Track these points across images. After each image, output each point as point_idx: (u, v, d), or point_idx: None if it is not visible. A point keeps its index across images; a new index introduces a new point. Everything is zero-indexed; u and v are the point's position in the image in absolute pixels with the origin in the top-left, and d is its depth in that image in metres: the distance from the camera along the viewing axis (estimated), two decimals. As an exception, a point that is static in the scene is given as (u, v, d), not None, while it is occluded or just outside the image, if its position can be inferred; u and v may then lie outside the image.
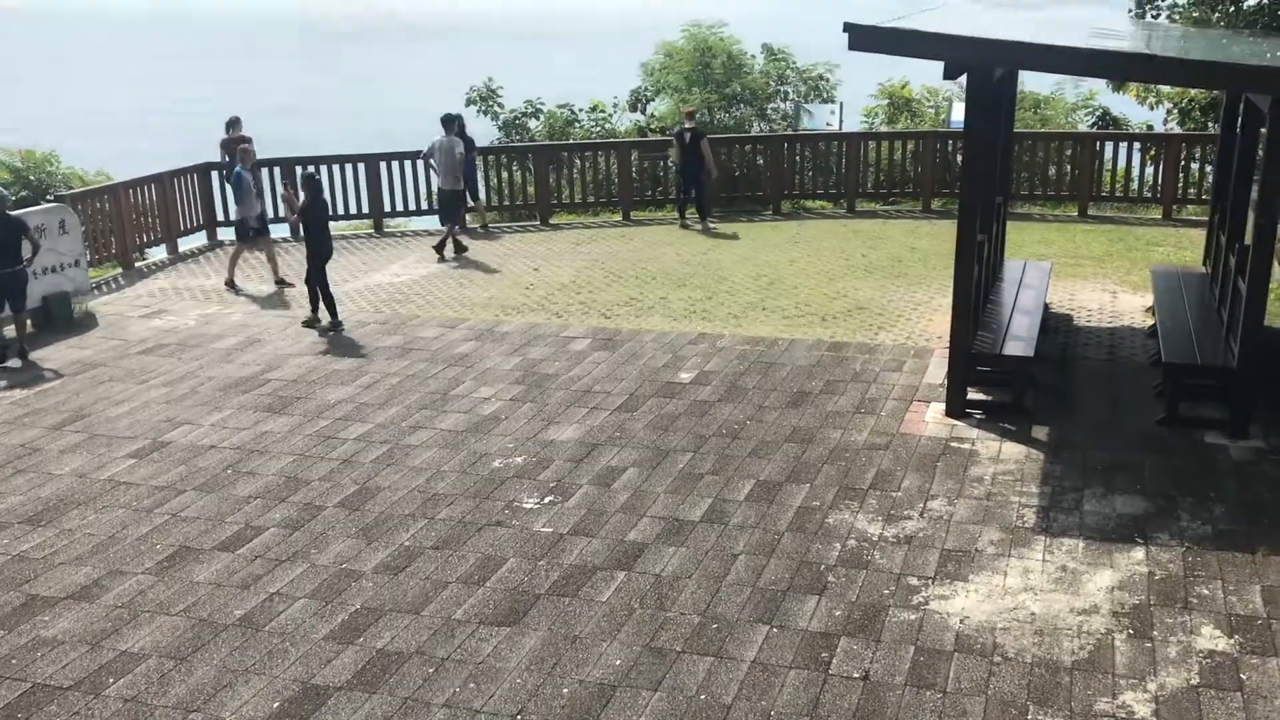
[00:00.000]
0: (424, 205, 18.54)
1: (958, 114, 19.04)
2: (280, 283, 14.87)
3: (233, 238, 17.96)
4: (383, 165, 18.24)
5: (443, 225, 16.94)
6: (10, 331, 12.34)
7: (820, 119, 19.44)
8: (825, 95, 21.29)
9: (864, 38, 8.55)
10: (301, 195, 13.11)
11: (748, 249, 16.44)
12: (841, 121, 19.49)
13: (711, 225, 17.73)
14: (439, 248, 16.38)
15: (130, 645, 6.75)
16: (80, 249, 14.01)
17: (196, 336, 12.87)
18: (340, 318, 13.04)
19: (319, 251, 12.97)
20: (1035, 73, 16.63)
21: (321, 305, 12.97)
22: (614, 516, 8.22)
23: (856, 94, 22.14)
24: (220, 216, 18.13)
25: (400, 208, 18.47)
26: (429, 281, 15.05)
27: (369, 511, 8.42)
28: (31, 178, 18.68)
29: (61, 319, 13.42)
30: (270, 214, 16.60)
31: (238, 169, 14.70)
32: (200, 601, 7.23)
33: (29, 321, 12.70)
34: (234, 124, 18.14)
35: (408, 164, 18.28)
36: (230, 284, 14.93)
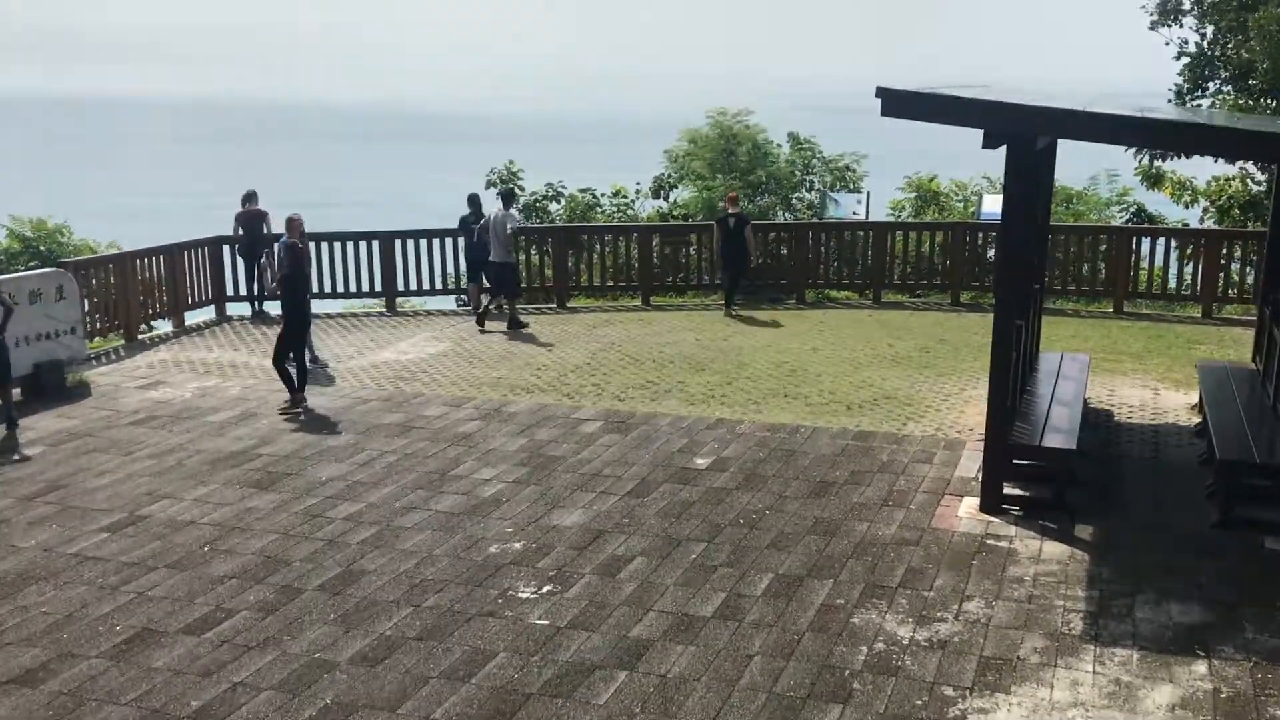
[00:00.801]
0: (438, 285, 18.11)
1: (989, 206, 18.62)
2: (314, 360, 14.09)
3: (243, 313, 17.65)
4: (397, 243, 17.86)
5: (494, 296, 16.81)
6: None
7: (846, 208, 19.02)
8: (852, 185, 20.91)
9: (897, 103, 8.05)
10: (280, 264, 12.54)
11: (770, 336, 15.86)
12: (868, 211, 19.06)
13: (734, 312, 17.23)
14: (508, 321, 16.52)
15: (69, 738, 6.03)
16: (78, 316, 13.56)
17: (191, 409, 12.31)
18: (304, 393, 12.47)
19: (295, 320, 12.43)
20: (1068, 166, 16.19)
21: (294, 375, 12.44)
22: (618, 610, 7.48)
23: (884, 187, 21.78)
24: (230, 291, 17.74)
25: (414, 286, 18.01)
26: (437, 360, 14.50)
27: (350, 596, 7.71)
28: (42, 248, 18.45)
29: (53, 388, 12.89)
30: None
31: (283, 239, 13.64)
32: (155, 689, 6.50)
33: (15, 390, 12.19)
34: (250, 198, 17.87)
35: (422, 242, 17.90)
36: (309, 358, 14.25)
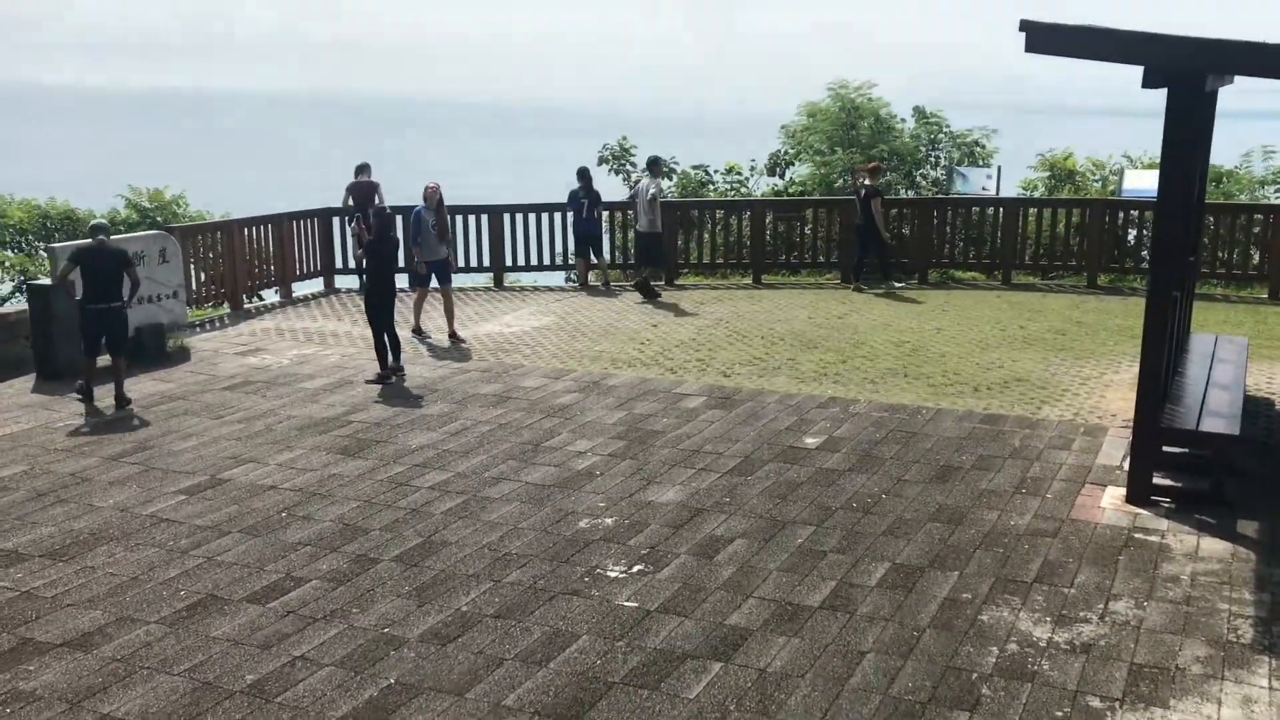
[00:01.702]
0: (545, 260, 17.60)
1: (1131, 182, 17.30)
2: (453, 336, 13.51)
3: (352, 285, 17.38)
4: (506, 217, 17.38)
5: (639, 269, 16.58)
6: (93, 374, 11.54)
7: (975, 184, 17.85)
8: (981, 160, 19.69)
9: (1045, 37, 7.14)
10: (370, 230, 12.10)
11: (889, 315, 14.92)
12: (999, 187, 17.89)
13: (880, 289, 16.50)
14: (642, 289, 16.27)
15: (114, 708, 5.57)
16: (180, 280, 13.39)
17: (287, 375, 11.99)
18: (401, 363, 12.01)
19: (378, 293, 11.94)
20: (1221, 140, 14.85)
21: (388, 350, 11.94)
22: (714, 594, 6.78)
23: (1012, 174, 20.50)
24: (339, 264, 17.49)
25: (522, 262, 17.50)
26: (540, 333, 13.96)
27: (428, 569, 7.17)
28: (158, 218, 18.47)
29: (153, 351, 12.72)
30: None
31: (418, 208, 13.52)
32: (210, 661, 6.04)
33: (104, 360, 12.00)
34: (363, 169, 17.59)
35: (531, 217, 17.39)
36: (417, 330, 13.86)
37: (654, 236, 16.26)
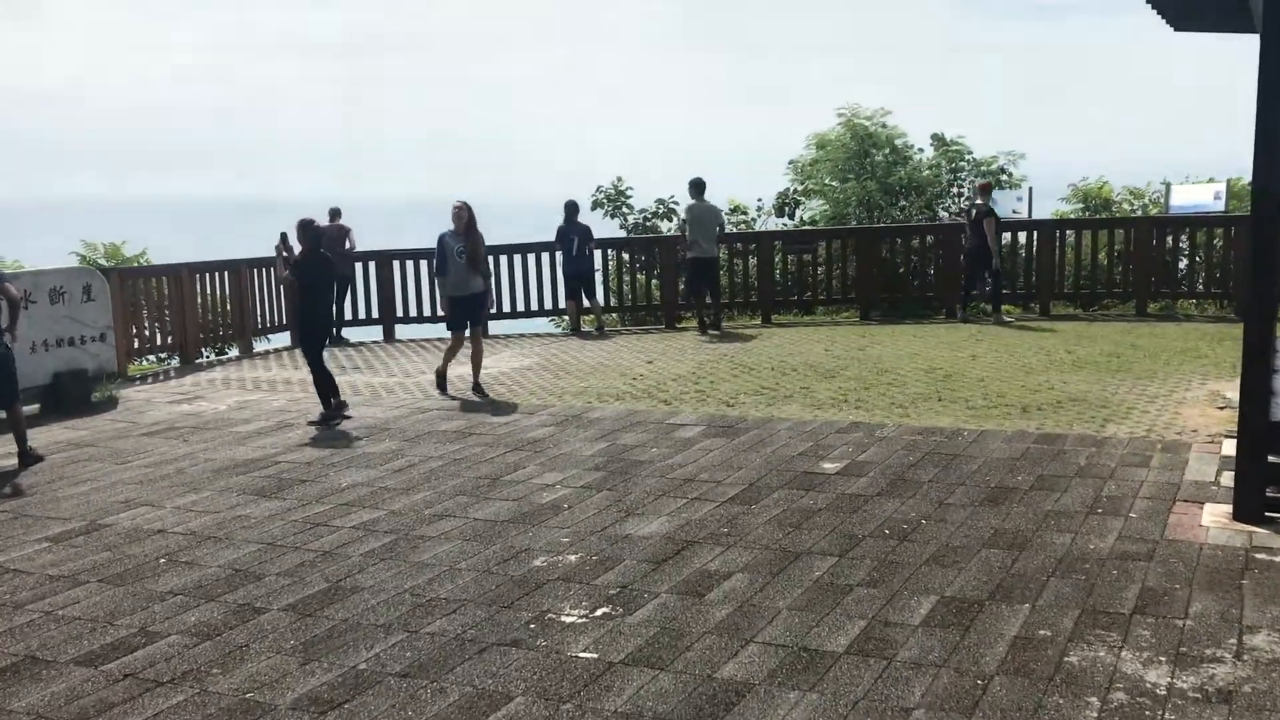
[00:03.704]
0: (533, 305, 16.00)
1: (1180, 198, 15.67)
2: (477, 388, 11.03)
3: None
4: (504, 259, 15.69)
5: (699, 295, 15.14)
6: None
7: (1005, 207, 16.24)
8: (1009, 187, 18.06)
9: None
10: (296, 247, 10.22)
11: (916, 345, 13.22)
12: (1031, 209, 16.29)
13: (1000, 320, 14.89)
14: (703, 326, 14.90)
15: None
16: (107, 321, 11.81)
17: (220, 421, 10.35)
18: (343, 399, 10.32)
19: (313, 321, 10.31)
20: None
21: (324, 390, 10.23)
22: (702, 640, 5.01)
23: (1043, 197, 18.92)
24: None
25: (505, 307, 15.89)
26: (519, 373, 12.30)
27: (325, 619, 5.42)
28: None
29: (75, 401, 11.11)
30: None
31: (443, 234, 11.03)
32: (-10, 742, 4.30)
33: (28, 408, 10.24)
34: (335, 213, 16.21)
35: (516, 259, 15.83)
36: (442, 382, 11.23)
37: (710, 262, 14.84)
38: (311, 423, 9.98)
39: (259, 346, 15.30)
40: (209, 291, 14.63)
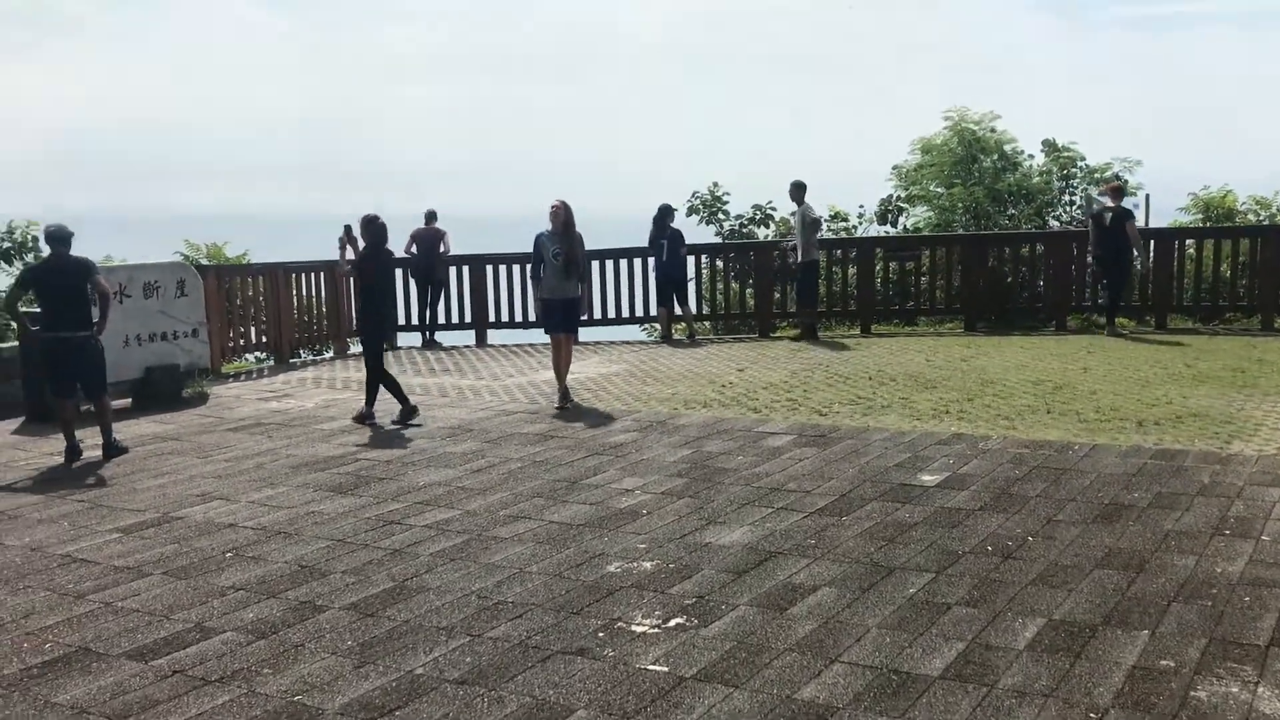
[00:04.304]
0: (624, 312, 15.71)
1: (1311, 207, 14.72)
2: (564, 398, 10.40)
3: (413, 343, 15.80)
4: (595, 265, 15.40)
5: (802, 307, 14.80)
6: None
7: (1118, 214, 15.40)
8: (1125, 191, 17.18)
9: None
10: (360, 242, 10.00)
11: (1022, 356, 12.58)
12: (1147, 217, 15.50)
13: (1118, 331, 14.14)
14: (802, 335, 14.58)
15: None
16: (200, 316, 11.83)
17: (305, 418, 10.27)
18: (361, 410, 10.03)
19: (373, 322, 10.11)
20: None
21: (385, 393, 10.08)
22: (783, 657, 4.61)
23: (1160, 207, 18.01)
24: (403, 319, 15.91)
25: (598, 315, 15.59)
26: (606, 379, 12.02)
27: (386, 620, 5.17)
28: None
29: (166, 395, 11.16)
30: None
31: (540, 234, 10.45)
32: (29, 735, 4.12)
33: (120, 402, 10.29)
34: (431, 216, 16.19)
35: (608, 264, 15.55)
36: (565, 395, 10.45)
37: (811, 266, 14.45)
38: (394, 422, 9.82)
39: (354, 348, 15.29)
40: (305, 292, 14.68)
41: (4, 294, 10.12)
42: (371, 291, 10.05)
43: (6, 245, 15.07)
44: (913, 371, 11.71)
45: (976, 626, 4.89)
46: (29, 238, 15.15)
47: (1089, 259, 14.46)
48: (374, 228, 9.92)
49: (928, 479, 7.40)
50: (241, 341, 13.89)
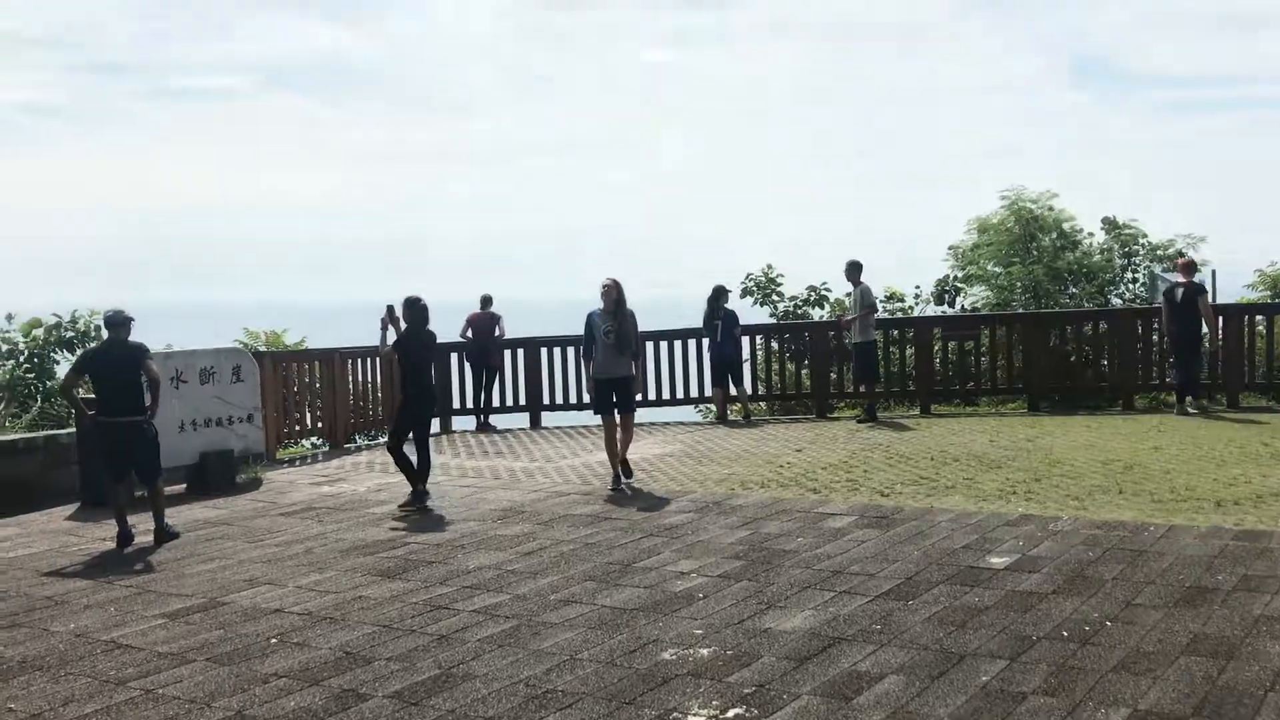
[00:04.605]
0: (678, 393, 15.56)
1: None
2: (619, 478, 10.29)
3: (468, 426, 15.74)
4: (650, 345, 15.34)
5: (860, 387, 14.65)
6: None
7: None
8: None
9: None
10: (403, 323, 9.99)
11: (1089, 436, 12.19)
12: (1215, 293, 15.09)
13: (1197, 408, 13.68)
14: (862, 415, 14.31)
15: None
16: (255, 402, 11.84)
17: (357, 502, 10.17)
18: (426, 488, 9.88)
19: (416, 402, 10.02)
20: None
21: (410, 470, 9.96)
22: (849, 750, 4.34)
23: (1226, 285, 17.58)
24: (456, 403, 15.91)
25: (650, 395, 15.46)
26: (661, 460, 11.82)
27: (431, 709, 4.96)
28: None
29: (221, 481, 11.12)
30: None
31: (592, 312, 10.41)
32: (58, 829, 3.94)
33: (174, 487, 10.22)
34: (486, 301, 16.26)
35: (662, 345, 15.47)
36: (618, 476, 10.34)
37: (865, 347, 14.29)
38: (402, 507, 9.66)
39: (407, 433, 15.25)
40: (359, 377, 14.71)
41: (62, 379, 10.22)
42: (408, 374, 10.03)
43: (69, 334, 15.32)
44: (976, 452, 11.37)
45: (1056, 717, 4.58)
46: (91, 326, 15.39)
47: (1159, 336, 14.07)
48: (416, 309, 9.92)
49: (997, 561, 7.09)
50: (297, 427, 13.91)
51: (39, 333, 15.42)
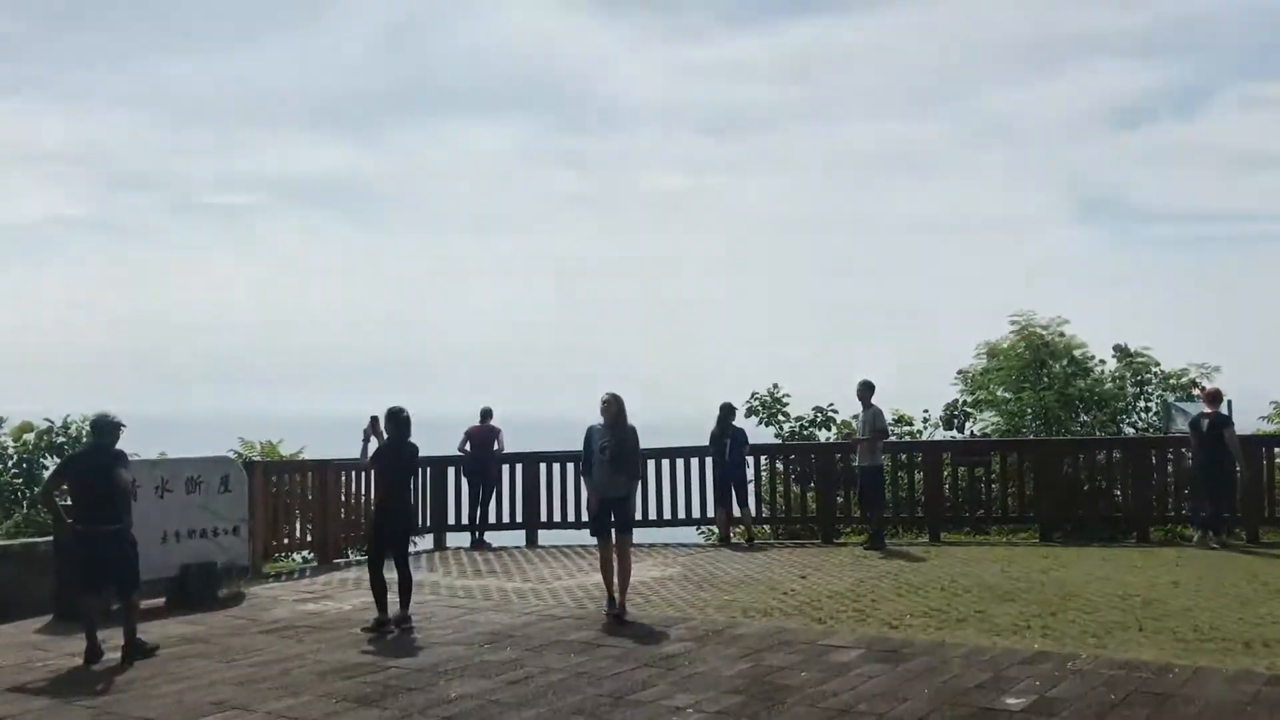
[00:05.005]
0: (679, 513, 15.15)
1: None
2: (617, 613, 9.57)
3: (461, 543, 15.32)
4: (651, 464, 14.98)
5: (867, 512, 14.23)
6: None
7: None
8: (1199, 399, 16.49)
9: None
10: (385, 435, 9.67)
11: (1105, 569, 11.73)
12: (1231, 421, 14.73)
13: (1219, 543, 13.18)
14: (869, 542, 13.79)
15: None
16: (242, 514, 11.49)
17: (341, 621, 9.74)
18: (394, 614, 9.38)
19: (393, 518, 9.65)
20: None
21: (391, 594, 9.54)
22: None
23: (1241, 416, 17.21)
24: (452, 518, 15.51)
25: (651, 514, 15.06)
26: (659, 583, 11.38)
27: None
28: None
29: (201, 595, 10.69)
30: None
31: (591, 426, 9.97)
32: None
33: (153, 601, 9.78)
34: (486, 414, 15.95)
35: (664, 463, 15.12)
36: (614, 602, 9.68)
37: (871, 471, 13.90)
38: (365, 629, 9.21)
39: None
40: (353, 490, 14.35)
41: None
42: (379, 486, 9.70)
43: (60, 440, 15.04)
44: (988, 582, 10.92)
45: None
46: (82, 432, 15.12)
47: (1173, 466, 13.70)
48: (398, 420, 9.62)
49: (1013, 702, 6.65)
50: (286, 540, 13.51)
51: (29, 437, 15.14)
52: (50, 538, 10.63)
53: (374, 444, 9.74)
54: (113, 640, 8.55)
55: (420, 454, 10.02)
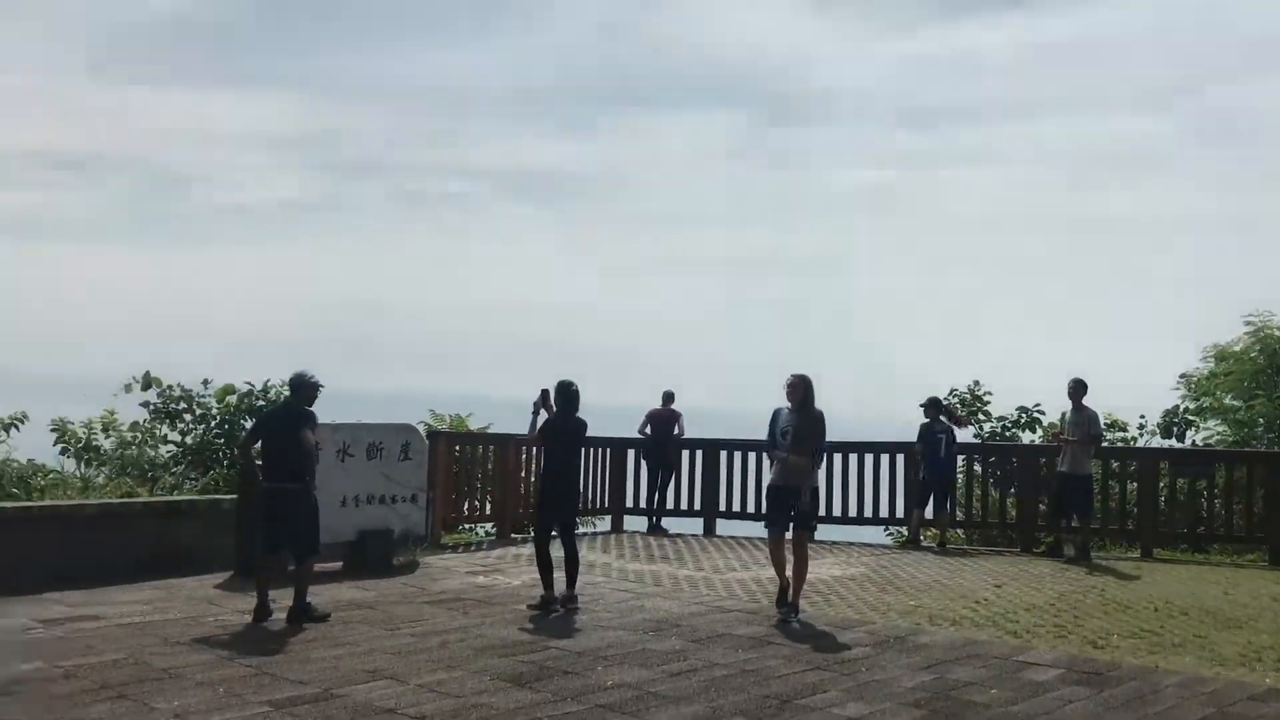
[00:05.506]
0: (866, 512, 14.39)
1: None
2: (791, 605, 8.97)
3: (638, 527, 15.03)
4: (838, 458, 14.32)
5: (1067, 514, 13.10)
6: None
7: None
8: None
9: None
10: (553, 407, 9.32)
11: (1352, 600, 10.39)
12: None
13: None
14: (1076, 554, 12.72)
15: None
16: (421, 482, 11.47)
17: (508, 597, 9.54)
18: (560, 593, 9.08)
19: (560, 494, 9.36)
20: None
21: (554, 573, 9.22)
22: None
23: None
24: (630, 501, 15.27)
25: (838, 512, 14.35)
26: (840, 582, 10.73)
27: None
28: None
29: (376, 562, 10.71)
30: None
31: (778, 408, 9.27)
32: None
33: (330, 565, 9.84)
34: (668, 397, 15.62)
35: (867, 458, 14.33)
36: (784, 601, 9.00)
37: (1082, 479, 12.80)
38: (531, 606, 8.92)
39: (581, 528, 14.63)
40: (536, 466, 14.22)
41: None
42: (551, 461, 9.40)
43: (260, 402, 15.50)
44: (1209, 606, 9.80)
45: None
46: (281, 396, 15.55)
47: None
48: (567, 394, 9.32)
49: (1241, 746, 5.77)
50: (466, 511, 13.51)
51: (232, 399, 15.67)
52: (234, 496, 10.87)
53: (543, 417, 9.47)
54: (283, 601, 8.57)
55: (588, 431, 9.70)
